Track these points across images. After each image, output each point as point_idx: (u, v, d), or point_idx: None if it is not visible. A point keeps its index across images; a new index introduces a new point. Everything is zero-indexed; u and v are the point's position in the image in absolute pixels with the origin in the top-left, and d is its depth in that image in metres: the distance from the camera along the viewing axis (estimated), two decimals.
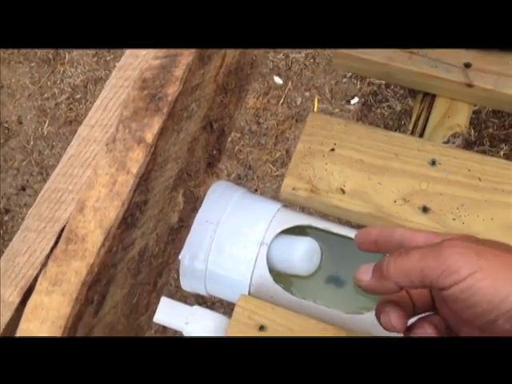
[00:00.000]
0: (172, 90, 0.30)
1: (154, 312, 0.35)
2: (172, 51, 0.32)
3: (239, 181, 1.45)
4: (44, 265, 0.36)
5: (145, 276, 0.32)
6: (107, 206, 0.28)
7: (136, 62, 0.41)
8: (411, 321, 0.34)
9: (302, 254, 0.56)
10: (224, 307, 1.25)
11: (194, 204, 0.36)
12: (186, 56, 0.32)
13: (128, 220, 0.28)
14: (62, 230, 0.35)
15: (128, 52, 0.42)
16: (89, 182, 0.29)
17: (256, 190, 1.43)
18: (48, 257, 0.35)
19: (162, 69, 0.31)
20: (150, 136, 0.29)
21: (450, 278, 0.28)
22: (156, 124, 0.29)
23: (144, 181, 0.29)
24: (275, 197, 1.45)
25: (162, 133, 0.30)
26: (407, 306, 0.33)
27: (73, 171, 0.38)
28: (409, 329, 0.33)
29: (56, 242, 0.36)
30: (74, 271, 0.26)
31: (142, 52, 0.41)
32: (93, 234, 0.27)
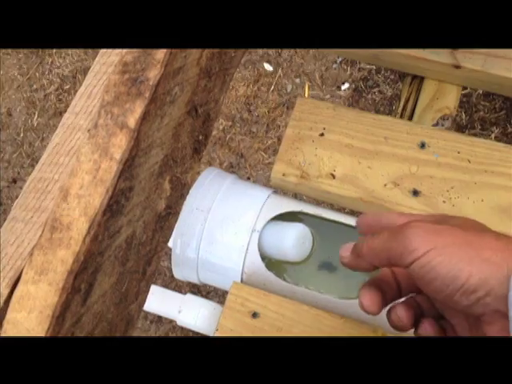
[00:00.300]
0: (153, 74, 0.30)
1: (144, 300, 0.35)
2: None
3: (231, 169, 1.45)
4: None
5: (133, 264, 0.32)
6: (91, 193, 0.27)
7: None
8: (399, 301, 0.34)
9: (293, 240, 0.56)
10: (218, 296, 1.26)
11: (181, 191, 0.36)
12: None
13: (113, 207, 0.28)
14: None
15: None
16: (72, 169, 0.28)
17: (248, 178, 1.42)
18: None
19: (142, 52, 0.31)
20: (132, 121, 0.29)
21: (410, 256, 0.30)
22: (138, 108, 0.29)
23: (128, 167, 0.29)
24: (267, 184, 1.45)
25: (144, 117, 0.29)
26: (391, 286, 0.34)
27: (58, 159, 0.38)
28: (389, 312, 0.34)
29: (43, 232, 0.35)
30: (60, 260, 0.26)
31: None
32: (77, 221, 0.27)
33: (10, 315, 0.26)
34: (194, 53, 0.33)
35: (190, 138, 0.36)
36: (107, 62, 0.41)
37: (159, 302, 0.59)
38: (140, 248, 0.33)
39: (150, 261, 0.34)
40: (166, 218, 0.35)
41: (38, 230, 0.35)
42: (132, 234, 0.31)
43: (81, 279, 0.27)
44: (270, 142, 1.46)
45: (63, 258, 0.26)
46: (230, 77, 0.40)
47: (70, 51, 1.55)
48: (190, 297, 0.60)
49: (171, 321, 0.62)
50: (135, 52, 0.30)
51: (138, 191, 0.31)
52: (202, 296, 1.26)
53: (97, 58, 0.43)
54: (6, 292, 0.34)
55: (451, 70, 0.63)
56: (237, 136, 1.47)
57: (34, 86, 1.51)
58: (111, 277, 0.30)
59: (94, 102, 0.39)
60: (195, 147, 0.37)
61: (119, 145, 0.28)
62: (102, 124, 0.29)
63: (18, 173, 1.44)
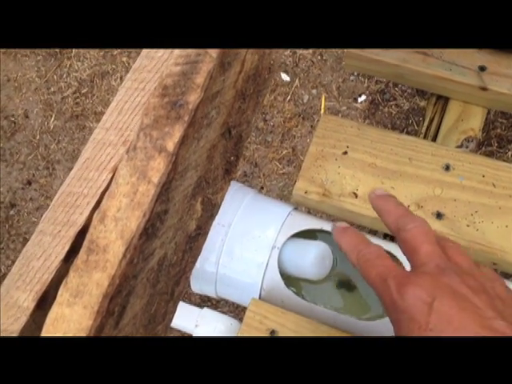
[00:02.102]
0: (193, 98, 0.30)
1: (171, 320, 0.35)
2: (193, 57, 0.32)
3: (245, 178, 1.45)
4: (59, 270, 0.35)
5: (163, 285, 0.32)
6: (128, 216, 0.27)
7: (151, 64, 0.40)
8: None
9: (313, 258, 0.56)
10: (229, 305, 1.25)
11: (211, 211, 0.36)
12: (207, 63, 0.31)
13: (149, 230, 0.28)
14: (77, 234, 0.35)
15: (143, 53, 0.42)
16: (110, 191, 0.28)
17: (262, 188, 1.42)
18: (63, 261, 0.35)
19: (182, 75, 0.31)
20: (171, 145, 0.29)
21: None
22: (177, 132, 0.29)
23: (165, 190, 0.29)
24: (281, 195, 1.45)
25: (183, 141, 0.29)
26: None
27: (88, 175, 0.38)
28: None
29: (71, 247, 0.35)
30: (96, 283, 0.26)
31: (158, 54, 0.40)
32: (114, 244, 0.27)
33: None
34: (231, 76, 0.33)
35: (223, 159, 0.36)
36: (139, 78, 0.41)
37: (176, 315, 0.59)
38: (170, 269, 0.32)
39: (178, 281, 0.34)
40: (196, 239, 0.35)
41: (66, 244, 0.35)
42: (164, 255, 0.31)
43: (115, 302, 0.27)
44: (284, 152, 1.46)
45: (99, 281, 0.26)
46: (262, 98, 0.40)
47: (88, 55, 1.55)
48: (207, 311, 0.60)
49: (184, 333, 0.61)
50: (175, 76, 0.30)
51: (172, 213, 0.30)
52: (212, 305, 1.26)
53: (128, 75, 0.43)
54: (32, 306, 0.34)
55: (477, 92, 0.63)
56: (251, 145, 1.47)
57: (52, 89, 1.52)
58: (142, 299, 0.30)
59: (125, 118, 0.39)
60: (226, 168, 0.36)
61: (157, 168, 0.28)
62: (141, 147, 0.29)
63: (33, 175, 1.45)
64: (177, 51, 0.33)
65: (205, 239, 0.37)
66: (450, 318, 0.29)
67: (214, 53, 0.32)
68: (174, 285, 0.33)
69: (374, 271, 0.34)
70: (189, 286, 0.59)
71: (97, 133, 0.41)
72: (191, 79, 0.30)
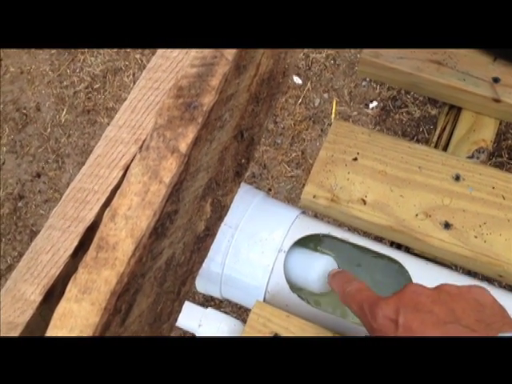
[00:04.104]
0: (208, 100, 0.30)
1: (176, 320, 0.35)
2: (209, 59, 0.32)
3: (253, 179, 1.45)
4: (67, 264, 0.36)
5: (170, 284, 0.32)
6: (139, 215, 0.27)
7: (166, 63, 0.41)
8: None
9: (319, 273, 0.56)
10: (231, 306, 1.25)
11: (220, 213, 0.36)
12: (223, 65, 0.31)
13: (158, 230, 0.28)
14: (86, 230, 0.35)
15: (159, 53, 0.42)
16: (121, 190, 0.28)
17: (270, 190, 1.42)
18: (71, 256, 0.35)
19: (198, 77, 0.31)
20: (184, 146, 0.29)
21: None
22: (190, 134, 0.29)
23: (176, 191, 0.29)
24: (288, 197, 1.45)
25: (195, 143, 0.29)
26: None
27: (99, 171, 0.38)
28: None
29: (80, 242, 0.36)
30: (104, 280, 0.26)
31: (173, 54, 0.40)
32: (123, 242, 0.27)
33: (51, 332, 0.27)
34: (246, 79, 0.33)
35: (234, 161, 0.36)
36: (153, 77, 0.41)
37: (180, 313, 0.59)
38: (178, 269, 0.33)
39: (185, 281, 0.34)
40: (204, 239, 0.35)
41: (75, 239, 0.36)
42: (172, 255, 0.31)
43: (122, 300, 0.27)
44: (293, 155, 1.46)
45: (107, 279, 0.26)
46: (276, 102, 0.40)
47: (102, 50, 1.56)
48: (211, 311, 0.60)
49: (186, 332, 0.61)
50: (191, 77, 0.30)
51: (182, 214, 0.31)
52: (215, 304, 1.26)
53: (143, 73, 0.43)
54: (39, 299, 0.34)
55: (490, 103, 0.63)
56: (261, 146, 1.47)
57: (65, 83, 1.53)
58: (149, 297, 0.30)
59: (138, 116, 0.40)
60: (237, 171, 0.37)
61: (169, 168, 0.28)
62: (154, 146, 0.29)
63: (43, 168, 1.46)
64: (193, 53, 0.33)
65: (213, 240, 0.37)
66: (413, 330, 0.34)
67: (229, 55, 0.32)
68: (180, 284, 0.33)
69: (355, 302, 0.39)
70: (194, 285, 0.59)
71: (109, 130, 0.42)
72: (206, 81, 0.30)
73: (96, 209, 0.35)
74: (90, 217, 0.35)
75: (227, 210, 0.37)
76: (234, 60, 0.32)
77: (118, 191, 0.28)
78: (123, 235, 0.27)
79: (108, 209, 0.28)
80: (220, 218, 0.37)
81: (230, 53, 0.32)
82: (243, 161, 0.37)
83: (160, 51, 0.42)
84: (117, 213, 0.28)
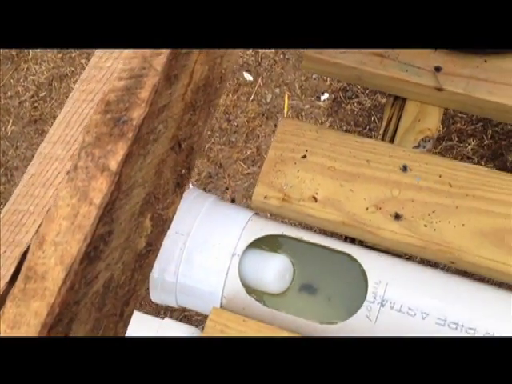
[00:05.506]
0: (137, 114, 0.29)
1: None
2: (137, 71, 0.30)
3: (210, 179, 1.43)
4: (5, 293, 0.34)
5: (110, 307, 0.31)
6: (68, 241, 0.26)
7: (100, 74, 0.39)
8: None
9: (274, 274, 0.55)
10: (198, 313, 1.24)
11: (162, 226, 0.35)
12: (152, 76, 0.30)
13: (91, 254, 0.27)
14: (23, 254, 0.33)
15: (92, 63, 0.41)
16: (49, 215, 0.27)
17: (227, 189, 1.41)
18: (9, 283, 0.34)
19: (126, 90, 0.30)
20: (114, 164, 0.28)
21: None
22: (121, 150, 0.28)
23: (108, 211, 0.27)
24: (246, 195, 1.44)
25: (126, 159, 0.28)
26: None
27: (34, 191, 0.36)
28: None
29: (17, 268, 0.34)
30: (34, 312, 0.25)
31: (107, 63, 0.39)
32: (53, 271, 0.26)
33: None
34: (178, 89, 0.32)
35: (173, 172, 0.35)
36: (87, 89, 0.40)
37: (136, 326, 0.58)
38: (118, 290, 0.31)
39: (128, 301, 0.33)
40: (146, 256, 0.34)
41: (12, 265, 0.34)
42: (110, 277, 0.30)
43: (55, 331, 0.26)
44: (249, 152, 1.45)
45: (37, 311, 0.25)
46: (214, 108, 0.39)
47: (46, 57, 1.51)
48: (167, 321, 0.59)
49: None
50: (118, 91, 0.29)
51: (118, 234, 0.29)
52: (181, 313, 1.25)
53: (76, 85, 0.41)
54: None
55: (433, 92, 0.63)
56: (215, 146, 1.46)
57: (9, 93, 1.48)
58: (87, 324, 0.29)
59: (73, 131, 0.38)
60: (178, 182, 0.36)
61: (99, 189, 0.27)
62: (82, 166, 0.28)
63: None
64: (120, 65, 0.32)
65: (156, 255, 0.36)
66: None
67: (158, 66, 0.31)
68: (123, 305, 0.32)
69: None
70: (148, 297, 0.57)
71: (43, 147, 0.40)
72: (135, 94, 0.29)
73: (32, 231, 0.33)
74: (26, 240, 0.33)
75: (170, 222, 0.36)
76: (163, 70, 0.31)
77: (45, 216, 0.27)
78: (52, 263, 0.26)
79: (35, 236, 0.27)
80: (163, 232, 0.36)
81: (158, 63, 0.31)
82: (184, 171, 0.36)
83: (93, 61, 0.41)
84: (45, 240, 0.26)
